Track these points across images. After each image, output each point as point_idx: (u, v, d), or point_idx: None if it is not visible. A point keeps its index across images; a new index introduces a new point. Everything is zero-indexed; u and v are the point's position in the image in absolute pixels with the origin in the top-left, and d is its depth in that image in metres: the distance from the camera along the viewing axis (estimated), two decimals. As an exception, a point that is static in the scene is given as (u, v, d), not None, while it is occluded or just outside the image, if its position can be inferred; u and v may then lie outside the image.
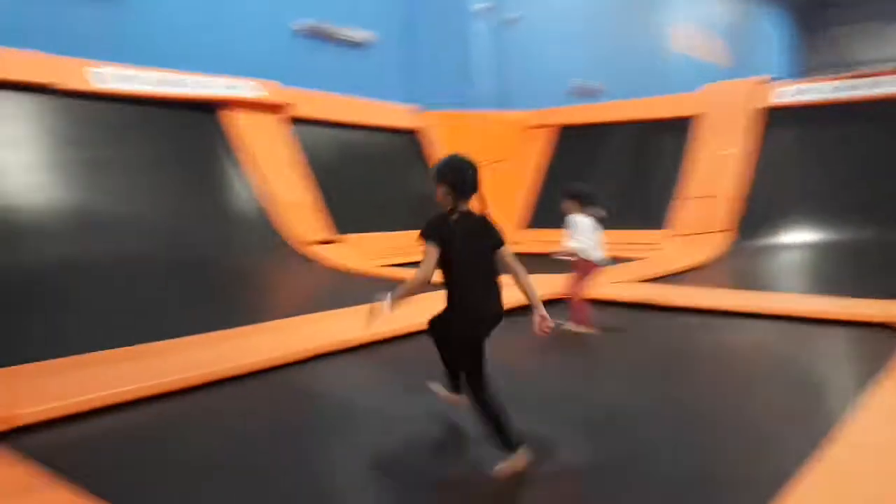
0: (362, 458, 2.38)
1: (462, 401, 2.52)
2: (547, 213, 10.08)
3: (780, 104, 8.90)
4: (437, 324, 2.60)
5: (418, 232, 2.34)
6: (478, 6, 12.29)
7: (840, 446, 2.22)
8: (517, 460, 2.21)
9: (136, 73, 7.57)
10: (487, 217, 2.45)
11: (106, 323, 4.51)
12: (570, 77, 14.86)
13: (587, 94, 14.79)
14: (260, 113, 8.52)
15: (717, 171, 8.74)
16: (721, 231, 8.20)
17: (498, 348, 2.52)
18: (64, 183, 6.55)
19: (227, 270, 6.49)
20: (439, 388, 2.78)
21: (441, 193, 2.40)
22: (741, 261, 7.34)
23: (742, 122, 8.95)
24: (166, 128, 7.71)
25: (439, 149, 10.67)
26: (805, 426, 2.58)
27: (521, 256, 9.09)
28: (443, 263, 2.33)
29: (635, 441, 2.51)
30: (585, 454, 2.38)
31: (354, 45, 10.90)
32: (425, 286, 2.31)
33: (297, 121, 8.94)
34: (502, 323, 2.38)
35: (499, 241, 2.43)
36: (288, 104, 8.82)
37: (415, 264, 7.23)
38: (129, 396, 2.87)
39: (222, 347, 3.63)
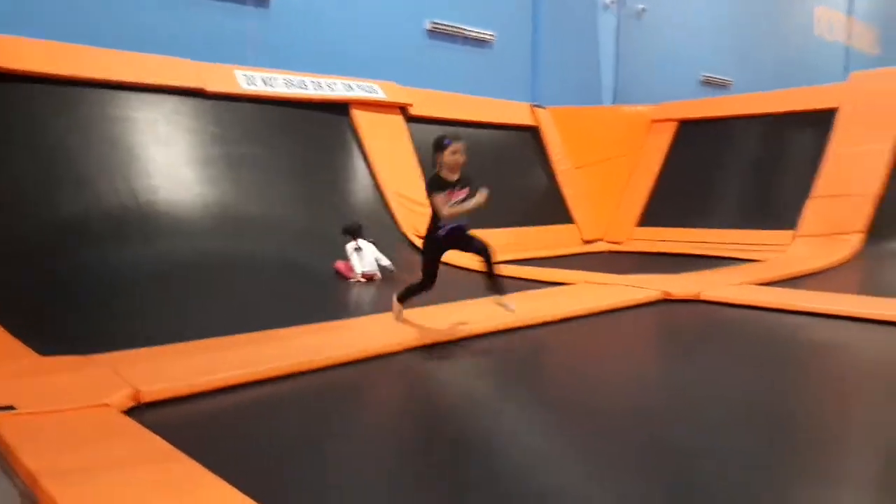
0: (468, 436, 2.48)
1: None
2: (663, 211, 9.75)
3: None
4: None
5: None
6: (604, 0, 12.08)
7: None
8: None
9: (277, 76, 8.21)
10: None
11: (228, 312, 4.90)
12: (698, 70, 14.27)
13: (715, 87, 14.14)
14: (379, 113, 8.90)
15: (856, 169, 8.05)
16: (853, 233, 7.58)
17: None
18: (207, 179, 7.18)
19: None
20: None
21: None
22: (871, 265, 6.79)
23: (891, 114, 8.20)
24: (304, 127, 8.27)
25: (559, 145, 10.62)
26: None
27: (630, 256, 8.91)
28: None
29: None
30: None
31: (478, 43, 11.03)
32: None
33: (415, 119, 9.23)
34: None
35: None
36: (405, 104, 9.14)
37: (526, 262, 7.28)
38: (241, 379, 3.10)
39: (330, 336, 3.86)
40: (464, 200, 3.90)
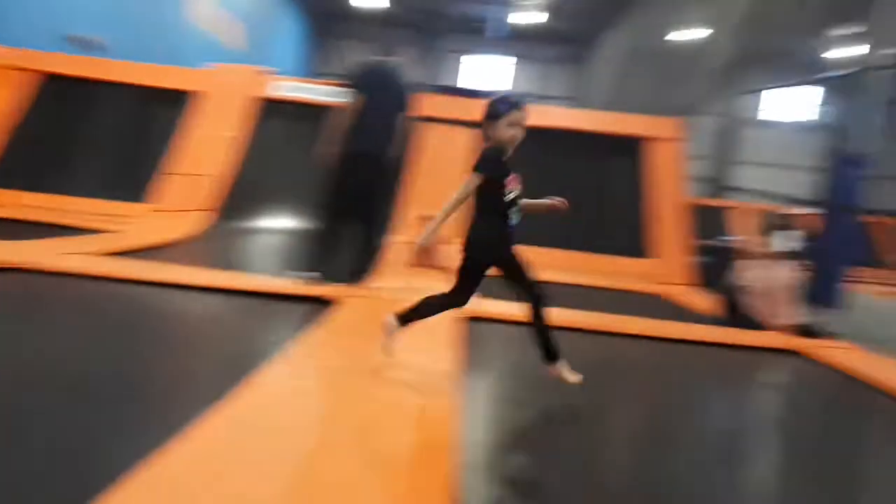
0: None
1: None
2: (19, 172, 8.82)
3: (273, 97, 9.61)
4: None
5: None
6: None
7: (245, 395, 2.60)
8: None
9: None
10: None
11: None
12: (66, 25, 13.26)
13: (86, 47, 13.44)
14: None
15: (208, 151, 8.98)
16: (204, 210, 8.47)
17: None
18: None
19: None
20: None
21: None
22: (218, 240, 7.74)
23: (241, 107, 9.39)
24: None
25: None
26: (224, 381, 2.91)
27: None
28: None
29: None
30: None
31: None
32: None
33: None
34: None
35: None
36: None
37: None
38: None
39: None
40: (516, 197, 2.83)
